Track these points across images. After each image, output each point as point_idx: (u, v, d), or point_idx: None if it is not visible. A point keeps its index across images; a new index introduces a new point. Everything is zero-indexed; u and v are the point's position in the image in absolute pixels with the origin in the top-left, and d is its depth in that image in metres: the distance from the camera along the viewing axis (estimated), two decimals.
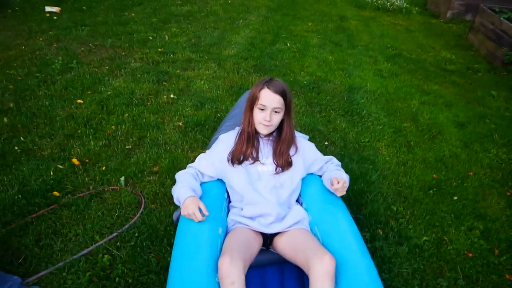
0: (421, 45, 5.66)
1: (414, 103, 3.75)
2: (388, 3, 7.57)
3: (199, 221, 1.56)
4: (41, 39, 4.43)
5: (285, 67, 4.33)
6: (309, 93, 3.73)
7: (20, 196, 2.17)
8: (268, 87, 1.62)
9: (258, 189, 1.69)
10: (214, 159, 1.76)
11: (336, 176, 1.68)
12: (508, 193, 2.65)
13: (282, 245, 1.62)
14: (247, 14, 6.28)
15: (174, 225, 2.07)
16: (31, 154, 2.55)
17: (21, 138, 2.69)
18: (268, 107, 1.63)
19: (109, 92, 3.40)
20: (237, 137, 1.76)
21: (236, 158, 1.71)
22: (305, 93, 3.73)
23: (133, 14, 5.63)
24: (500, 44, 5.12)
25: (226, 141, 1.79)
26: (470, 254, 2.13)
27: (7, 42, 4.26)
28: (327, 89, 3.86)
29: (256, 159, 1.72)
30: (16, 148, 2.58)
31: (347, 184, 1.67)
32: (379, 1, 7.67)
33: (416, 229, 2.25)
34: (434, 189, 2.59)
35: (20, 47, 4.16)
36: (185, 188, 1.59)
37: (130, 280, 1.77)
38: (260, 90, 1.63)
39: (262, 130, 1.70)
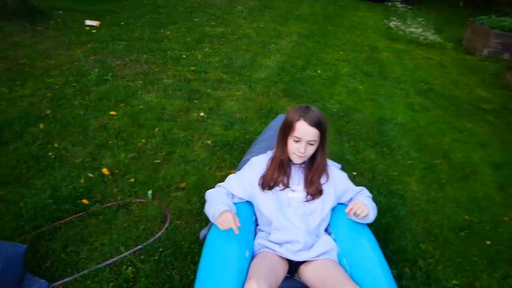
0: (455, 81, 5.59)
1: (446, 140, 3.68)
2: (421, 37, 7.56)
3: (226, 243, 1.54)
4: (79, 50, 4.61)
5: (315, 94, 4.34)
6: (338, 122, 3.72)
7: (51, 201, 2.21)
8: (304, 119, 1.59)
9: (287, 215, 1.67)
10: (244, 181, 1.76)
11: (356, 200, 1.66)
12: None
13: (308, 275, 1.58)
14: (279, 39, 6.38)
15: (199, 243, 2.06)
16: (64, 161, 2.61)
17: (55, 144, 2.76)
18: (303, 139, 1.61)
19: (141, 106, 3.48)
20: (269, 162, 1.75)
21: (267, 184, 1.70)
22: (334, 121, 3.72)
23: (168, 32, 5.80)
24: None
25: (258, 164, 1.79)
26: None
27: (48, 52, 4.44)
28: (357, 119, 3.83)
29: (286, 186, 1.71)
30: (50, 153, 2.65)
31: (364, 207, 1.63)
32: (412, 35, 7.67)
33: (446, 271, 2.16)
34: (466, 231, 2.50)
35: (59, 57, 4.33)
36: (222, 205, 1.60)
37: None
38: (296, 122, 1.60)
39: (296, 160, 1.69)
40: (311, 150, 1.65)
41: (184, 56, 4.91)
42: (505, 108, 4.85)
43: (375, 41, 7.28)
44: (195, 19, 6.74)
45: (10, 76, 3.70)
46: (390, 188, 2.80)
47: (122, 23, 5.93)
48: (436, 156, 3.37)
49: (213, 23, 6.68)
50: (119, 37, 5.24)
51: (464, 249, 2.34)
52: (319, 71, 5.10)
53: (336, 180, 1.79)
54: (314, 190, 1.70)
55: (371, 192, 2.64)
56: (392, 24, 8.81)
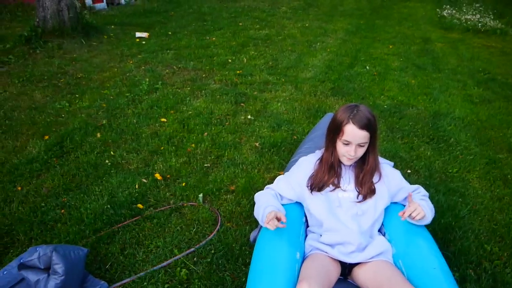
0: None
1: (511, 133, 3.40)
2: (479, 24, 7.08)
3: (277, 244, 1.53)
4: (131, 62, 4.83)
5: (364, 91, 4.21)
6: (390, 118, 3.57)
7: (109, 206, 2.32)
8: (353, 122, 1.52)
9: (339, 216, 1.62)
10: (293, 183, 1.73)
11: (412, 202, 1.58)
12: None
13: (363, 277, 1.52)
14: (324, 37, 6.28)
15: (250, 245, 2.06)
16: (119, 168, 2.74)
17: (111, 152, 2.91)
18: (353, 142, 1.55)
19: (190, 112, 3.57)
20: (318, 163, 1.71)
21: (316, 185, 1.66)
22: (385, 117, 3.58)
23: (214, 38, 5.92)
24: None
25: (306, 165, 1.75)
26: None
27: (102, 65, 4.71)
28: (410, 114, 3.66)
29: (337, 186, 1.66)
30: (107, 161, 2.80)
31: (420, 209, 1.54)
32: (468, 22, 7.21)
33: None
34: None
35: (113, 69, 4.58)
36: (270, 207, 1.57)
37: None
38: (345, 125, 1.54)
39: (346, 162, 1.63)
40: (361, 151, 1.59)
41: (229, 60, 4.98)
42: None
43: (427, 32, 6.93)
44: (240, 24, 6.83)
45: (70, 90, 3.96)
46: (449, 185, 2.63)
47: (169, 32, 6.14)
48: (500, 150, 3.12)
49: (257, 26, 6.72)
50: (167, 46, 5.43)
51: None
52: (367, 67, 4.94)
53: (389, 178, 1.71)
54: (366, 190, 1.63)
55: (427, 190, 2.51)
56: (445, 12, 8.34)
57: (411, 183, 1.81)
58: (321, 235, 1.63)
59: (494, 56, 5.70)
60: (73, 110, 3.55)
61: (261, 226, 1.78)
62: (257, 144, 3.07)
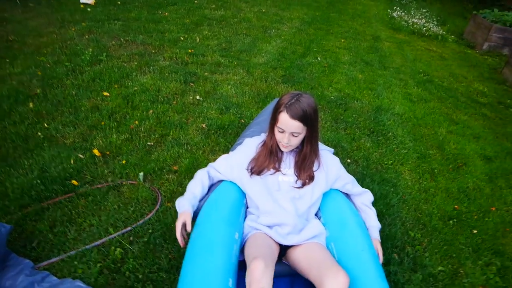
0: (454, 74, 5.54)
1: (442, 131, 3.65)
2: (424, 29, 7.47)
3: (215, 224, 1.53)
4: (73, 29, 4.52)
5: (314, 81, 4.29)
6: (336, 109, 3.68)
7: (39, 181, 2.18)
8: (287, 111, 1.54)
9: (277, 199, 1.66)
10: (234, 164, 1.74)
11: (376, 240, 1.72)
12: None
13: (296, 258, 1.58)
14: (280, 24, 6.29)
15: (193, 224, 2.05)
16: (53, 141, 2.57)
17: (45, 124, 2.72)
18: (286, 130, 1.57)
19: (136, 88, 3.43)
20: (260, 147, 1.73)
21: (257, 169, 1.68)
22: (331, 108, 3.68)
23: (166, 13, 5.70)
24: None
25: (249, 146, 1.77)
26: None
27: (39, 29, 4.36)
28: (354, 107, 3.80)
29: (277, 169, 1.69)
30: (39, 134, 2.61)
31: (379, 246, 1.71)
32: (415, 26, 7.57)
33: (432, 258, 2.17)
34: (454, 220, 2.50)
35: (51, 35, 4.25)
36: (185, 202, 1.62)
37: (140, 276, 1.74)
38: (280, 112, 1.56)
39: (282, 148, 1.67)
40: (296, 141, 1.62)
41: (182, 38, 4.83)
42: (500, 102, 4.82)
43: (378, 31, 7.19)
44: (195, 1, 6.63)
45: None
46: (384, 176, 2.78)
47: (118, 2, 5.82)
48: (430, 146, 3.35)
49: (213, 6, 6.57)
50: (115, 16, 5.14)
51: (451, 237, 2.35)
52: (319, 58, 5.04)
53: (329, 167, 1.77)
54: (305, 177, 1.68)
55: (364, 179, 2.64)
56: (395, 14, 8.69)
57: (350, 172, 1.89)
58: (259, 217, 1.66)
59: (433, 60, 6.05)
60: (1, 75, 3.26)
61: (201, 206, 1.77)
62: (203, 126, 3.03)
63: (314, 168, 1.71)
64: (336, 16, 7.74)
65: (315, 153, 1.71)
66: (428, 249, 2.24)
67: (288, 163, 1.71)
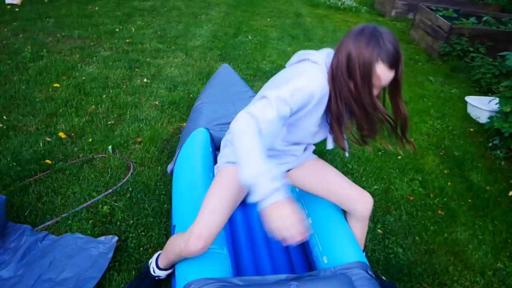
0: None
1: None
2: (339, 3, 8.16)
3: (192, 171, 1.87)
4: (5, 29, 4.47)
5: (248, 57, 4.68)
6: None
7: (14, 163, 2.34)
8: (384, 61, 1.20)
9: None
10: (293, 107, 1.22)
11: None
12: (441, 153, 3.17)
13: (303, 178, 1.60)
14: (208, 10, 6.57)
15: (164, 180, 2.35)
16: (18, 130, 2.71)
17: (4, 117, 2.83)
18: (383, 85, 1.27)
19: (84, 77, 3.57)
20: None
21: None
22: (268, 77, 4.10)
23: (96, 8, 5.74)
24: (436, 38, 5.78)
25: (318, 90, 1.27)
26: (411, 198, 2.58)
27: None
28: None
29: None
30: (1, 125, 2.73)
31: None
32: (331, 1, 8.24)
33: (368, 180, 2.68)
34: (382, 151, 3.05)
35: None
36: (275, 184, 1.05)
37: (131, 222, 2.03)
38: (374, 65, 1.20)
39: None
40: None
41: (117, 29, 4.96)
42: (410, 59, 5.58)
43: (299, 8, 7.74)
44: None
45: None
46: None
47: (45, 0, 5.74)
48: None
49: None
50: (46, 14, 5.11)
51: (381, 164, 2.89)
52: (250, 37, 5.43)
53: None
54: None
55: None
56: None
57: None
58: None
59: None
60: None
61: (176, 158, 2.09)
62: (156, 103, 3.29)
63: None
64: None
65: None
66: (364, 174, 2.75)
67: None
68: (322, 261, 1.51)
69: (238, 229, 1.95)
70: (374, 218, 2.34)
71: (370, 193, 2.53)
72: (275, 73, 4.05)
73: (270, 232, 1.05)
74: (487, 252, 2.25)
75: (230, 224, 1.97)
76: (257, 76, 4.12)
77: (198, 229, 1.33)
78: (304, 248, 1.79)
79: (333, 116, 1.33)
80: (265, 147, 1.13)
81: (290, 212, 1.03)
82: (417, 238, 2.27)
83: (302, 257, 1.78)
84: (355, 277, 1.36)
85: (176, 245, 1.41)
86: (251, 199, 1.05)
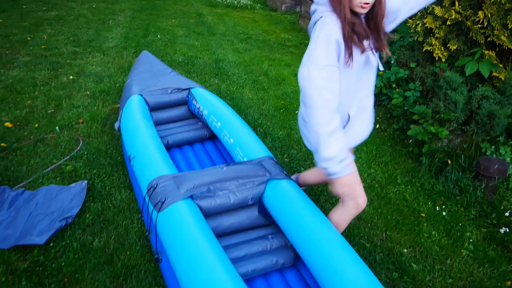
0: (265, 31, 7.17)
1: (265, 65, 5.09)
2: (235, 2, 9.04)
3: (136, 121, 2.45)
4: None
5: (161, 52, 5.25)
6: (186, 66, 4.74)
7: None
8: None
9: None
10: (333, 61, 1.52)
11: None
12: None
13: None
14: (114, 16, 6.95)
15: (113, 144, 2.88)
16: None
17: None
18: None
19: (11, 80, 3.85)
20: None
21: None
22: (182, 66, 4.73)
23: (0, 20, 5.81)
24: None
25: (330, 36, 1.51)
26: None
27: None
28: (199, 63, 4.93)
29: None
30: None
31: None
32: (228, 1, 9.09)
33: (275, 129, 3.48)
34: (283, 109, 3.88)
35: None
36: (348, 159, 1.47)
37: (94, 171, 2.54)
38: None
39: (360, 10, 1.52)
40: None
41: (29, 38, 5.16)
42: (301, 43, 6.62)
43: (199, 9, 8.44)
44: (23, 6, 6.73)
45: None
46: (233, 96, 4.01)
47: None
48: (259, 75, 4.73)
49: (44, 8, 6.79)
50: None
51: (284, 118, 3.72)
52: (159, 36, 5.98)
53: None
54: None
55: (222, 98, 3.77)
56: None
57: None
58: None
59: (248, 23, 7.62)
60: None
61: (121, 117, 2.63)
62: (88, 93, 3.73)
63: None
64: (161, 2, 8.69)
65: None
66: (271, 126, 3.54)
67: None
68: (242, 159, 2.22)
69: (179, 164, 2.57)
70: (282, 151, 3.14)
71: (278, 137, 3.34)
72: (188, 63, 4.75)
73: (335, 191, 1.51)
74: (362, 164, 3.17)
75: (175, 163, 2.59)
76: (172, 66, 4.72)
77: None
78: (230, 156, 2.49)
79: (355, 31, 1.50)
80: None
81: (353, 181, 1.51)
82: (313, 161, 3.11)
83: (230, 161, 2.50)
84: (265, 162, 2.09)
85: (346, 214, 1.71)
86: (324, 168, 1.46)
